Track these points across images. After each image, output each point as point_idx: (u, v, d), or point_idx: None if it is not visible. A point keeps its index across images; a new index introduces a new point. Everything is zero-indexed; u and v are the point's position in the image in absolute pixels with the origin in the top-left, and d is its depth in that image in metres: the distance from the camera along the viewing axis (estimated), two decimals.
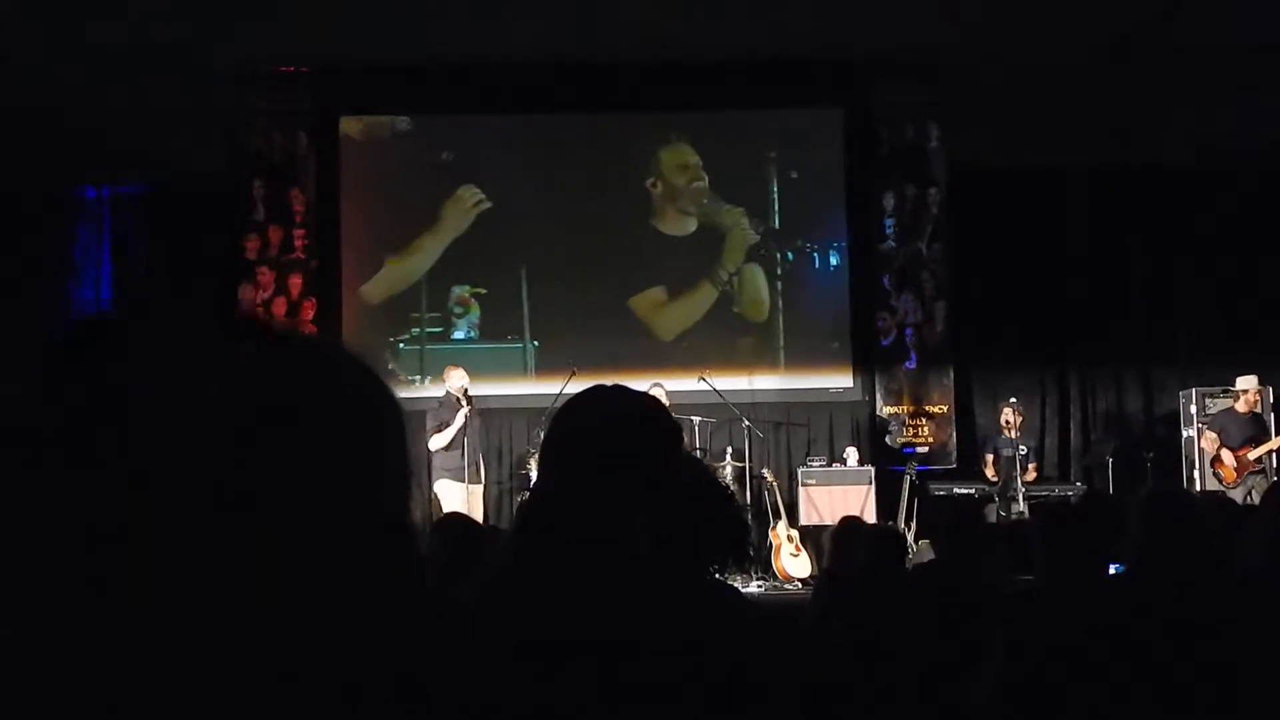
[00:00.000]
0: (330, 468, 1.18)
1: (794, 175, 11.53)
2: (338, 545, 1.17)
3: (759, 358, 11.40)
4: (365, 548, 1.19)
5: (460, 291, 11.36)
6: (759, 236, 11.45)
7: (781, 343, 11.46)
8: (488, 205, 11.40)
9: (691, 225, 11.49)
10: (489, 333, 11.37)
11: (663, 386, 9.91)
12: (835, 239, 11.55)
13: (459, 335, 11.36)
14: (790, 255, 11.51)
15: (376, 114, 11.51)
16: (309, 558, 1.15)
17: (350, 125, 11.43)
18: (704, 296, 11.46)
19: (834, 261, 11.53)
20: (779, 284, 11.49)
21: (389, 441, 1.25)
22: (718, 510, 2.44)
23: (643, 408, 1.96)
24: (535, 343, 11.33)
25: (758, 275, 11.47)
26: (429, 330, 11.37)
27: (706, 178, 11.47)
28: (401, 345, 11.28)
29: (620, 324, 11.31)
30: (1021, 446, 10.47)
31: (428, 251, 11.41)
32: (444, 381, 10.00)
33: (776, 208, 11.50)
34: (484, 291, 11.39)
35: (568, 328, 11.24)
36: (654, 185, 11.48)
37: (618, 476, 1.84)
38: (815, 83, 11.43)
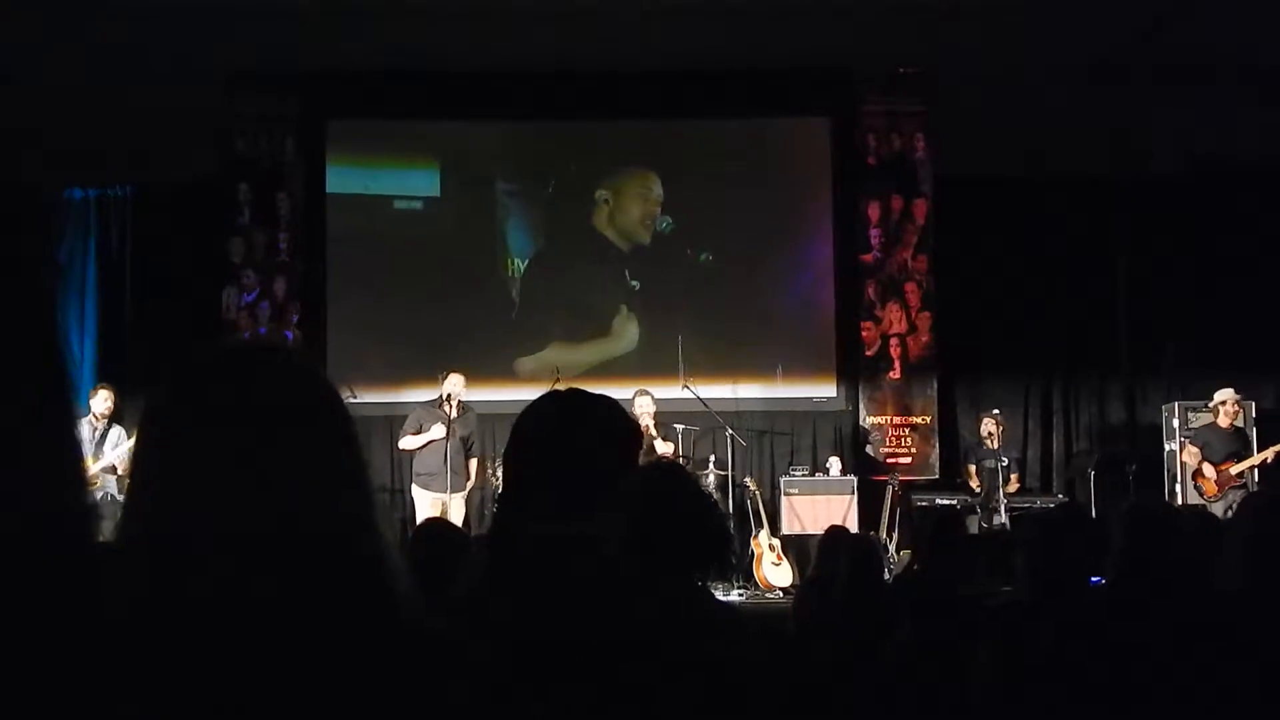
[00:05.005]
0: (287, 470, 1.18)
1: (780, 184, 11.53)
2: (302, 551, 1.16)
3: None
4: (330, 553, 1.18)
5: None
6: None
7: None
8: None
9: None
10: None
11: (649, 394, 9.88)
12: (820, 248, 11.57)
13: None
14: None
15: (364, 118, 11.49)
16: (276, 568, 1.15)
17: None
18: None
19: (818, 270, 11.56)
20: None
21: (345, 446, 1.25)
22: (701, 518, 2.43)
23: (595, 411, 1.95)
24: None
25: None
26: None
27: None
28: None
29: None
30: (1003, 458, 10.47)
31: None
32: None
33: (762, 216, 11.51)
34: None
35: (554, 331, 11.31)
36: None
37: (566, 481, 1.84)
38: (803, 92, 11.46)
